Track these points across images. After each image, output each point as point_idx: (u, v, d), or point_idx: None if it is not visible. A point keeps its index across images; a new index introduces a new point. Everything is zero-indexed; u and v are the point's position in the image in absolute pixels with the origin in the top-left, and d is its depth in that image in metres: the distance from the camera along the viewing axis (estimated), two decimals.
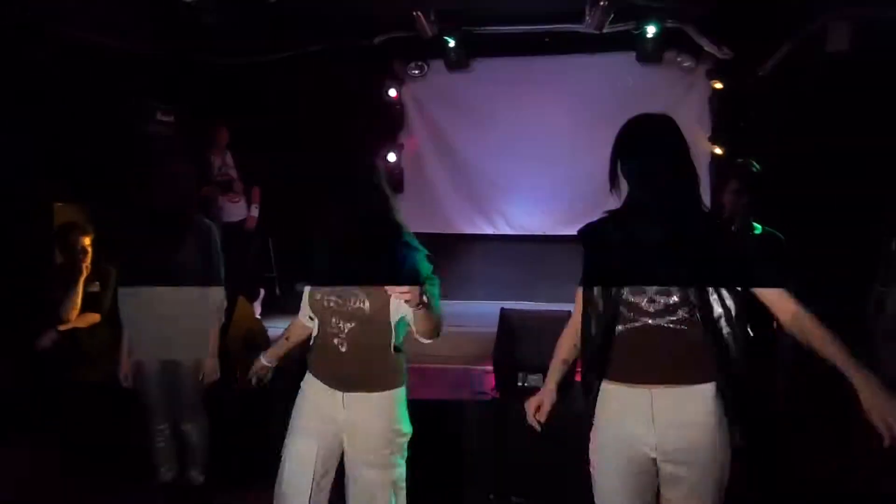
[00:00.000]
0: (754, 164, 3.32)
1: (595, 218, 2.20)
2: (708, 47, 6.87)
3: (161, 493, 3.68)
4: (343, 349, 2.49)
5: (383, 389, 2.53)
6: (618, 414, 2.16)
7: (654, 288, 2.06)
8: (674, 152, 2.11)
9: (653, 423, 2.08)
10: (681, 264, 2.04)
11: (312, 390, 2.59)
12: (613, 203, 2.15)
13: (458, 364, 5.31)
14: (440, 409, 4.29)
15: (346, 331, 2.48)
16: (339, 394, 2.51)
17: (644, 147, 2.09)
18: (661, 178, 2.05)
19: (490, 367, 4.59)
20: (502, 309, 4.69)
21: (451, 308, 7.58)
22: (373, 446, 2.50)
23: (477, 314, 6.97)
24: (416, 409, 4.30)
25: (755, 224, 3.30)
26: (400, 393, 2.60)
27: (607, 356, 2.15)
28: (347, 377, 2.52)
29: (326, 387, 2.54)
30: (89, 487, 3.97)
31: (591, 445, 2.23)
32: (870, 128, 6.04)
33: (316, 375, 2.59)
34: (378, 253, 2.39)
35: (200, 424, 3.66)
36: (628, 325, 2.11)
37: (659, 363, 2.08)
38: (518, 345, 4.31)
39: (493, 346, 4.57)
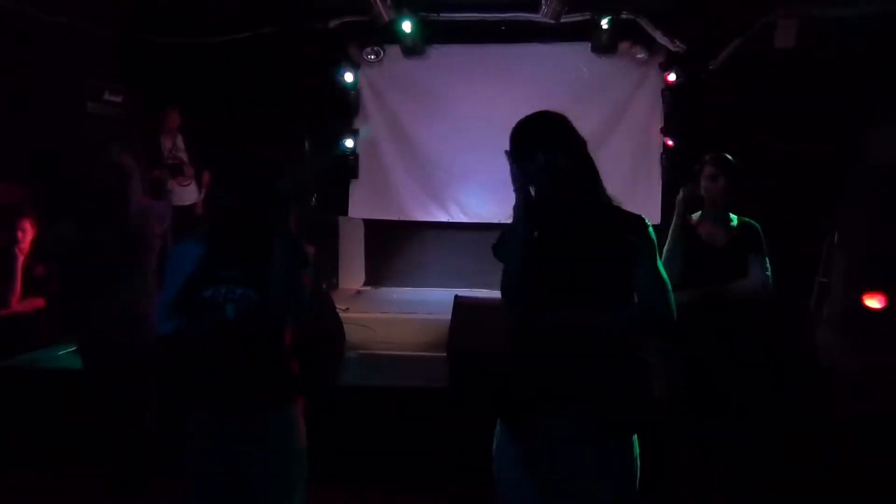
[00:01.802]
0: (728, 155, 3.37)
1: None
2: (661, 40, 6.97)
3: (109, 480, 3.61)
4: None
5: None
6: None
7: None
8: (568, 149, 2.08)
9: None
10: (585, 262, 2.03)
11: None
12: None
13: (411, 351, 5.32)
14: (393, 397, 4.30)
15: None
16: None
17: (539, 146, 2.07)
18: (559, 176, 2.03)
19: (444, 354, 4.60)
20: (456, 296, 4.71)
21: (405, 295, 7.69)
22: None
23: (430, 301, 7.00)
24: (370, 396, 4.33)
25: (731, 215, 3.34)
26: None
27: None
28: None
29: None
30: (35, 475, 3.89)
31: None
32: (814, 123, 6.20)
33: None
34: None
35: (151, 410, 3.59)
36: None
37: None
38: (472, 332, 4.32)
39: (446, 334, 4.59)
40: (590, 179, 2.10)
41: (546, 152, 2.04)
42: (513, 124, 2.17)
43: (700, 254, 3.29)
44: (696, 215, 3.41)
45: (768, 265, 3.29)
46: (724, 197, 3.30)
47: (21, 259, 4.24)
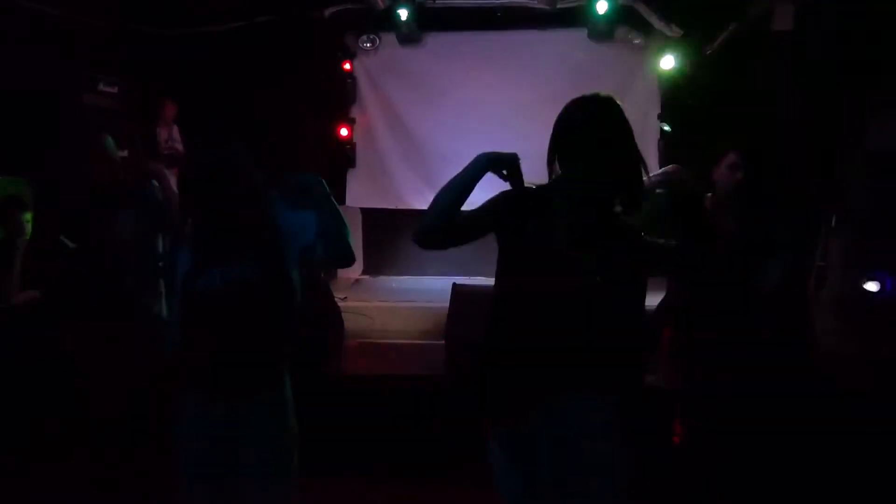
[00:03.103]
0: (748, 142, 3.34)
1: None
2: (657, 25, 6.94)
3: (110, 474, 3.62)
4: None
5: None
6: None
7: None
8: (619, 140, 1.93)
9: None
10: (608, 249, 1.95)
11: None
12: None
13: (409, 339, 5.32)
14: (391, 385, 4.31)
15: None
16: None
17: (590, 134, 1.92)
18: (605, 168, 1.91)
19: (442, 342, 4.62)
20: (454, 284, 4.71)
21: (403, 284, 7.69)
22: None
23: (429, 290, 7.00)
24: (369, 384, 4.34)
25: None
26: None
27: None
28: None
29: None
30: (32, 469, 3.90)
31: None
32: (812, 108, 6.19)
33: None
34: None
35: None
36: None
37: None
38: (470, 320, 4.33)
39: (444, 322, 4.60)
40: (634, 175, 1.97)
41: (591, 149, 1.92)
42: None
43: (707, 244, 3.26)
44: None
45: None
46: (737, 190, 3.26)
47: (22, 252, 4.22)
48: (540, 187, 2.02)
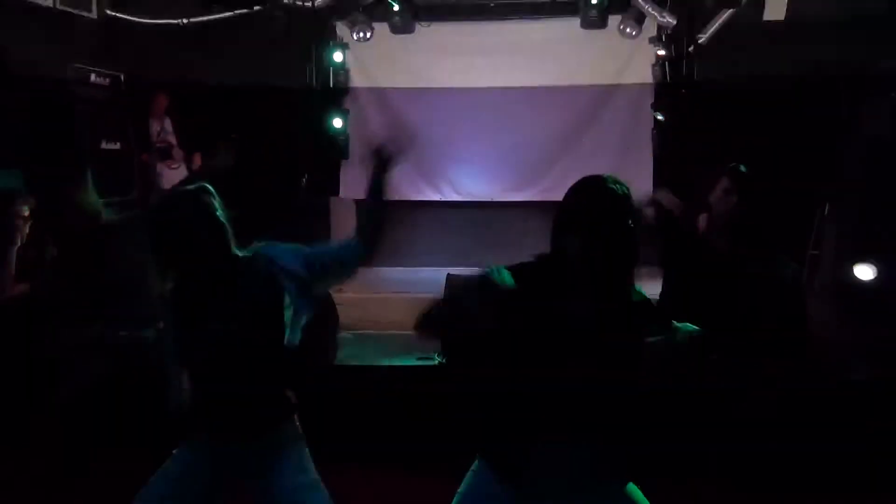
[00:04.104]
0: (742, 166, 3.40)
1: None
2: (650, 14, 6.94)
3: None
4: None
5: None
6: None
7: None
8: (625, 231, 1.94)
9: None
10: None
11: None
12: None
13: (403, 330, 5.32)
14: (387, 376, 4.32)
15: None
16: None
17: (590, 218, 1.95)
18: (601, 247, 1.94)
19: None
20: (449, 274, 4.72)
21: (398, 275, 7.69)
22: None
23: (423, 280, 7.00)
24: (364, 375, 4.34)
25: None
26: None
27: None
28: None
29: None
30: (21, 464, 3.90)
31: None
32: (806, 95, 6.20)
33: None
34: None
35: None
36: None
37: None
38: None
39: None
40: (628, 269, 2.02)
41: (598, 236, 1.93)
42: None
43: (703, 264, 3.32)
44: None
45: None
46: (732, 212, 3.33)
47: (18, 245, 4.21)
48: (537, 263, 2.08)
